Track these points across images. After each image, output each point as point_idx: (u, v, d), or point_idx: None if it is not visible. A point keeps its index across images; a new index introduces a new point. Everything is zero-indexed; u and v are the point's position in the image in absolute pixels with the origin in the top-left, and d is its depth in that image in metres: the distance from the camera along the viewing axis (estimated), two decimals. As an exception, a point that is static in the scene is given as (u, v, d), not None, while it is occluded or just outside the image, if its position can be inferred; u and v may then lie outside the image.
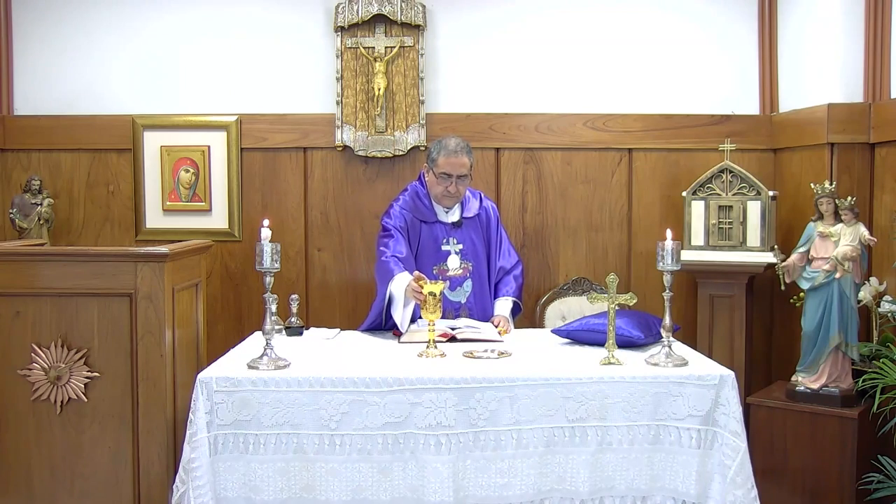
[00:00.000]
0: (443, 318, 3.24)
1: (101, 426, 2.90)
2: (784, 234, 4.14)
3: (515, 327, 3.69)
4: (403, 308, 3.34)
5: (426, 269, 3.59)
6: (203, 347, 3.33)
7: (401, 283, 3.34)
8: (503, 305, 3.70)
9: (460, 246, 3.67)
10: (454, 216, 3.69)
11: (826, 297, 3.45)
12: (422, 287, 3.09)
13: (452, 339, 3.23)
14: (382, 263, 3.48)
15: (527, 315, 4.24)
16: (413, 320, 3.41)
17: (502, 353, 3.01)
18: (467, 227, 3.70)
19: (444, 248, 3.67)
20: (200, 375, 2.73)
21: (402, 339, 3.25)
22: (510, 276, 3.75)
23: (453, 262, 3.65)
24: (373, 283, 3.85)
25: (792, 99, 4.24)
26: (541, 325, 4.32)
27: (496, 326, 3.49)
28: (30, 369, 2.88)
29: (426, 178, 3.67)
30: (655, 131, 4.46)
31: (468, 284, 3.66)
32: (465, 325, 3.39)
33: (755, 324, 4.30)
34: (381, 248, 3.54)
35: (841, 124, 3.83)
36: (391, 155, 4.43)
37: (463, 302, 3.64)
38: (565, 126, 4.47)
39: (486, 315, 3.66)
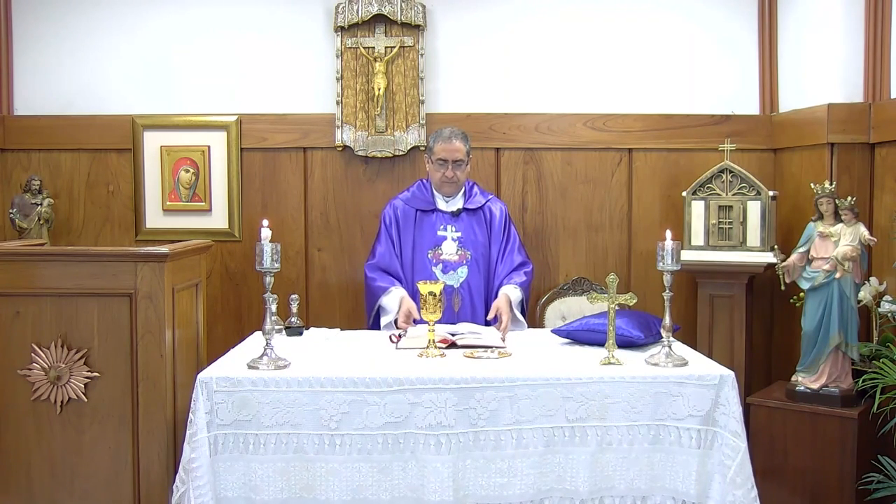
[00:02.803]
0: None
1: (101, 426, 2.89)
2: (784, 234, 4.14)
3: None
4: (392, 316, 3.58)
5: (423, 255, 3.71)
6: (203, 347, 3.32)
7: (392, 300, 3.58)
8: (508, 290, 3.62)
9: (458, 234, 3.74)
10: (455, 206, 3.77)
11: (826, 297, 3.45)
12: (410, 316, 3.42)
13: (453, 345, 3.17)
14: (369, 280, 3.71)
15: (527, 315, 4.23)
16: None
17: (502, 353, 3.01)
18: (469, 219, 3.78)
19: (441, 233, 3.74)
20: (200, 375, 2.73)
21: (400, 344, 3.21)
22: (518, 271, 3.75)
23: (448, 247, 3.72)
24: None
25: (792, 99, 4.24)
26: (541, 325, 4.32)
27: (497, 317, 3.48)
28: (30, 369, 2.88)
29: (427, 168, 3.82)
30: (655, 131, 4.46)
31: (463, 271, 3.70)
32: (468, 331, 3.31)
33: (755, 324, 4.30)
34: (370, 254, 3.81)
35: (841, 124, 3.82)
36: (391, 155, 4.43)
37: (456, 286, 3.67)
38: (565, 126, 4.47)
39: (480, 302, 3.69)
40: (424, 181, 3.87)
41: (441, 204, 3.78)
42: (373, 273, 3.71)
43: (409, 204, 3.80)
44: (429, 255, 3.71)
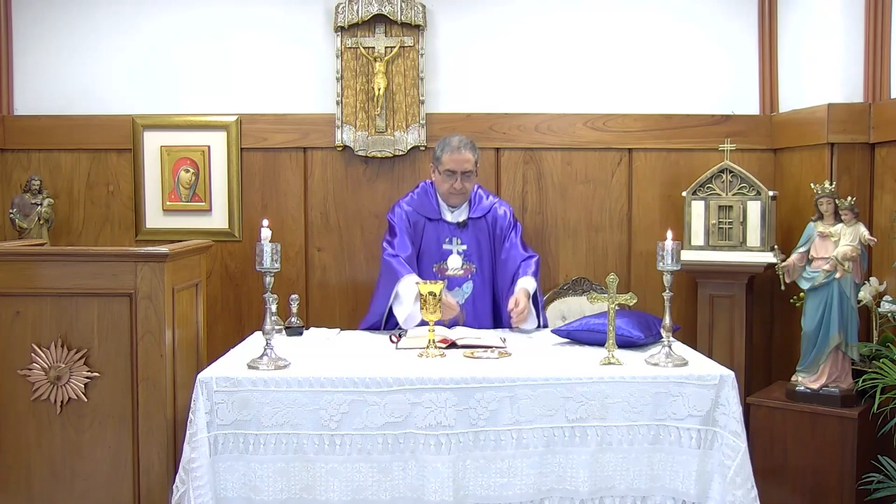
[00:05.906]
0: (437, 322, 3.10)
1: (101, 426, 2.89)
2: (784, 234, 4.14)
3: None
4: (413, 305, 3.33)
5: (427, 267, 3.62)
6: (203, 347, 3.33)
7: (407, 284, 3.39)
8: (525, 282, 3.51)
9: (464, 247, 3.66)
10: (461, 217, 3.69)
11: (826, 297, 3.45)
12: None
13: (453, 344, 3.16)
14: (386, 263, 3.53)
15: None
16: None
17: (502, 353, 3.01)
18: (474, 229, 3.69)
19: (446, 247, 3.67)
20: (200, 375, 2.73)
21: (400, 344, 3.20)
22: (529, 260, 3.62)
23: (454, 262, 3.64)
24: (372, 282, 3.88)
25: (792, 99, 4.25)
26: (541, 325, 4.32)
27: (514, 306, 3.39)
28: (30, 369, 2.88)
29: (433, 178, 3.70)
30: (655, 131, 4.46)
31: (468, 286, 3.65)
32: (467, 334, 3.29)
33: (755, 324, 4.30)
34: (385, 246, 3.60)
35: (841, 124, 3.82)
36: (391, 155, 4.43)
37: (461, 303, 3.56)
38: (565, 126, 4.47)
39: (485, 312, 3.64)
40: (429, 187, 3.74)
41: (447, 215, 3.67)
42: (389, 256, 3.54)
43: (415, 210, 3.67)
44: (434, 270, 3.62)
